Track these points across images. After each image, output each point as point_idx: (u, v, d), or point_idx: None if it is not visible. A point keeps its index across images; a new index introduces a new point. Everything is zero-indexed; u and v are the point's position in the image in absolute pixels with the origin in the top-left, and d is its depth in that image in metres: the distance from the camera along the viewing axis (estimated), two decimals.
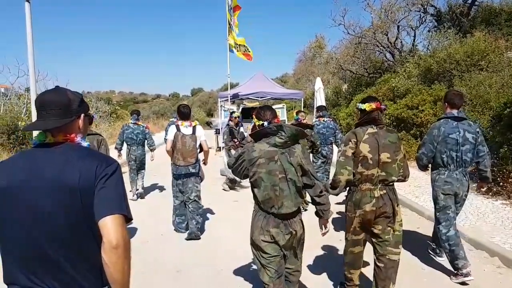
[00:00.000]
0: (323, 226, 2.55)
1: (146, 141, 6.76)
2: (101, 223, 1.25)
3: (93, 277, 1.34)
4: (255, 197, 2.35)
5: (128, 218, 1.33)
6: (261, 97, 12.83)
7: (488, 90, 8.75)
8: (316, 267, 3.71)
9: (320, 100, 11.66)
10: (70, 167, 1.30)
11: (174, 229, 4.85)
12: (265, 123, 2.39)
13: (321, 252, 4.08)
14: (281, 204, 2.28)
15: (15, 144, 7.59)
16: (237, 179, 7.31)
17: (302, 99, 12.63)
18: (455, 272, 3.38)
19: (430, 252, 3.93)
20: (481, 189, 4.00)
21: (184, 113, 4.56)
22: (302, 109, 6.65)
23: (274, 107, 15.41)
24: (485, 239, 4.19)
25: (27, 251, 1.29)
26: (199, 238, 4.57)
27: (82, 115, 1.46)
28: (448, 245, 3.39)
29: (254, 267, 3.22)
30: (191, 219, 4.58)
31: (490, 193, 6.00)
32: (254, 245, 2.38)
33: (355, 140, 2.68)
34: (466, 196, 3.50)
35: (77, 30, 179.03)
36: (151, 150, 6.94)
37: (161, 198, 6.77)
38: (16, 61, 10.87)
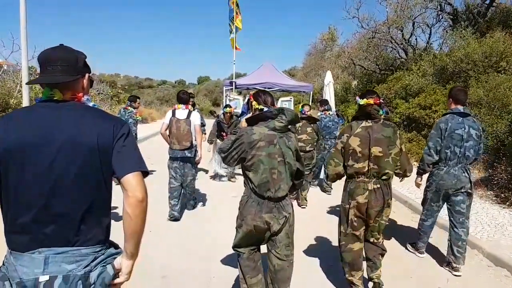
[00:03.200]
0: None
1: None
2: (125, 180, 1.32)
3: (99, 232, 1.39)
4: (249, 181, 2.34)
5: (145, 173, 1.40)
6: (268, 88, 12.42)
7: (508, 93, 8.29)
8: (315, 264, 3.47)
9: (329, 94, 11.24)
10: (86, 126, 1.32)
11: (169, 216, 4.79)
12: (265, 108, 2.39)
13: (320, 249, 3.81)
14: (278, 187, 2.32)
15: None
16: (221, 171, 7.00)
17: (311, 93, 12.21)
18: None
19: (410, 249, 4.01)
20: None
21: (182, 98, 4.78)
22: (309, 103, 6.46)
23: (281, 99, 15.15)
24: (505, 255, 3.83)
25: (43, 211, 1.28)
26: (196, 207, 5.18)
27: (87, 74, 1.46)
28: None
29: None
30: (188, 200, 5.10)
31: (508, 203, 5.63)
32: (242, 226, 2.37)
33: (347, 135, 2.75)
34: (468, 193, 3.46)
35: (85, 8, 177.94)
36: None
37: (154, 187, 6.43)
38: (11, 35, 10.43)
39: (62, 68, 1.35)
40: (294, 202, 5.63)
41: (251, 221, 2.32)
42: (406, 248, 4.09)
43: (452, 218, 3.57)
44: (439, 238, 4.31)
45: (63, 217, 1.31)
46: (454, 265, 3.53)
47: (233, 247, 2.49)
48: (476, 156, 3.49)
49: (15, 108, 7.27)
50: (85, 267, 1.33)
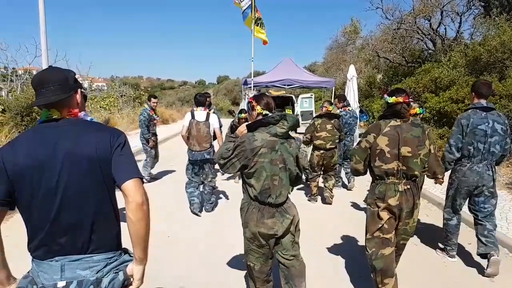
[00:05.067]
0: None
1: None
2: (124, 187, 1.40)
3: (109, 240, 1.48)
4: (250, 188, 2.31)
5: (142, 180, 1.48)
6: (288, 85, 12.07)
7: None
8: (324, 264, 3.23)
9: (352, 90, 10.78)
10: (84, 139, 1.41)
11: (191, 209, 4.92)
12: (268, 113, 2.37)
13: (330, 249, 3.55)
14: (279, 193, 2.31)
15: (28, 126, 7.41)
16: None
17: (333, 89, 11.77)
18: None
19: (439, 253, 3.70)
20: None
21: (199, 101, 4.88)
22: (331, 99, 6.14)
23: (301, 96, 14.73)
24: None
25: (56, 223, 1.39)
26: (213, 210, 5.04)
27: (79, 90, 1.53)
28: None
29: None
30: (206, 201, 5.05)
31: None
32: (247, 234, 2.38)
33: (375, 135, 2.63)
34: (491, 191, 3.31)
35: (106, 15, 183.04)
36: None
37: (172, 188, 6.30)
38: (34, 40, 10.68)
39: (55, 88, 1.44)
40: (315, 201, 5.36)
41: (254, 227, 2.32)
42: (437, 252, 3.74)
43: (475, 217, 3.45)
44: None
45: (73, 228, 1.40)
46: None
47: (246, 262, 2.48)
48: (504, 152, 3.30)
49: (38, 112, 7.50)
50: (97, 273, 1.42)
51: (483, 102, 3.27)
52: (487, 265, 3.23)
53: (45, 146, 1.38)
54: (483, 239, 3.32)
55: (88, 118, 1.55)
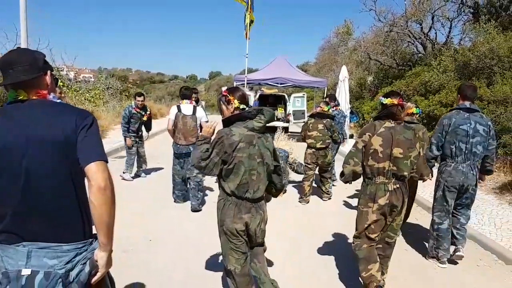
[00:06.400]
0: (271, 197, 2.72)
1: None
2: (87, 168, 1.35)
3: (77, 228, 1.43)
4: (226, 184, 2.28)
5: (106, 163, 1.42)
6: (280, 83, 12.04)
7: None
8: (319, 266, 3.20)
9: (344, 91, 10.79)
10: (50, 121, 1.37)
11: (173, 198, 5.03)
12: (246, 107, 2.35)
13: (323, 248, 3.52)
14: (257, 188, 2.31)
15: None
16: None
17: (325, 89, 11.76)
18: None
19: (430, 260, 3.61)
20: (481, 181, 3.68)
21: (185, 94, 4.86)
22: (327, 100, 6.14)
23: (294, 95, 14.69)
24: None
25: (20, 206, 1.36)
26: (201, 210, 4.83)
27: (49, 71, 1.50)
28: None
29: None
30: (193, 196, 4.82)
31: None
32: (225, 232, 2.33)
33: (370, 134, 2.71)
34: (474, 190, 3.44)
35: (95, 4, 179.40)
36: None
37: (158, 185, 6.15)
38: (15, 27, 10.22)
39: (23, 69, 1.40)
40: (313, 197, 5.33)
41: (231, 224, 2.29)
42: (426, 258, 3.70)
43: (454, 210, 3.58)
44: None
45: (40, 213, 1.37)
46: (457, 246, 3.51)
47: (226, 267, 2.40)
48: (487, 152, 3.39)
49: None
50: (66, 263, 1.37)
51: (467, 103, 3.37)
52: (451, 255, 3.50)
53: (9, 128, 1.35)
54: (454, 231, 3.53)
55: (57, 100, 1.52)
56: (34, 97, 1.42)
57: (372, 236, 2.77)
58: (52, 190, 1.37)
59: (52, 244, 1.37)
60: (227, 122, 2.31)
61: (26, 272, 1.33)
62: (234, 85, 12.60)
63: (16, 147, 1.33)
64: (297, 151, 6.61)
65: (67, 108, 1.46)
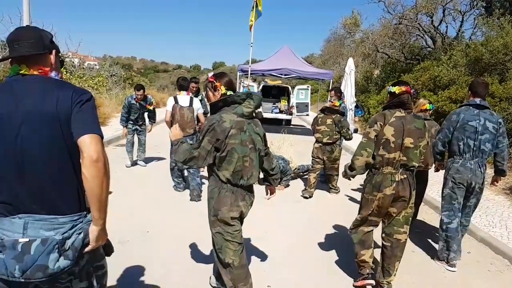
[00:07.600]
0: (269, 191, 2.71)
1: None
2: (80, 140, 1.37)
3: (72, 200, 1.45)
4: (221, 172, 2.24)
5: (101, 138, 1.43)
6: (285, 75, 11.77)
7: None
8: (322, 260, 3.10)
9: (350, 84, 10.53)
10: (48, 95, 1.39)
11: (174, 188, 5.03)
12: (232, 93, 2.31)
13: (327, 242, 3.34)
14: (250, 175, 2.29)
15: None
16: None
17: (330, 81, 11.50)
18: (441, 258, 3.42)
19: (438, 263, 3.45)
20: (495, 183, 3.57)
21: (181, 85, 4.86)
22: (331, 94, 5.98)
23: (298, 87, 14.36)
24: None
25: (15, 176, 1.38)
26: (200, 200, 4.67)
27: (54, 51, 1.52)
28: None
29: None
30: (191, 180, 4.76)
31: None
32: (220, 221, 2.28)
33: (381, 123, 2.66)
34: (480, 189, 3.35)
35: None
36: None
37: (157, 175, 5.99)
38: (18, 11, 9.96)
39: (29, 44, 1.43)
40: (318, 192, 5.16)
41: (227, 212, 2.25)
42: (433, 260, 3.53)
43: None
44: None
45: (36, 186, 1.38)
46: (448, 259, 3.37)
47: (224, 261, 2.34)
48: (496, 150, 3.32)
49: None
50: (63, 234, 1.39)
51: (478, 100, 3.30)
52: (447, 261, 3.36)
53: (5, 99, 1.37)
54: None
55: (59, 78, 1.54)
56: (35, 73, 1.44)
57: (373, 219, 2.80)
58: (47, 166, 1.38)
59: (48, 216, 1.39)
60: (215, 106, 2.27)
61: (23, 240, 1.34)
62: (239, 76, 12.37)
63: (9, 117, 1.35)
64: (297, 159, 6.56)
65: (65, 85, 1.47)
